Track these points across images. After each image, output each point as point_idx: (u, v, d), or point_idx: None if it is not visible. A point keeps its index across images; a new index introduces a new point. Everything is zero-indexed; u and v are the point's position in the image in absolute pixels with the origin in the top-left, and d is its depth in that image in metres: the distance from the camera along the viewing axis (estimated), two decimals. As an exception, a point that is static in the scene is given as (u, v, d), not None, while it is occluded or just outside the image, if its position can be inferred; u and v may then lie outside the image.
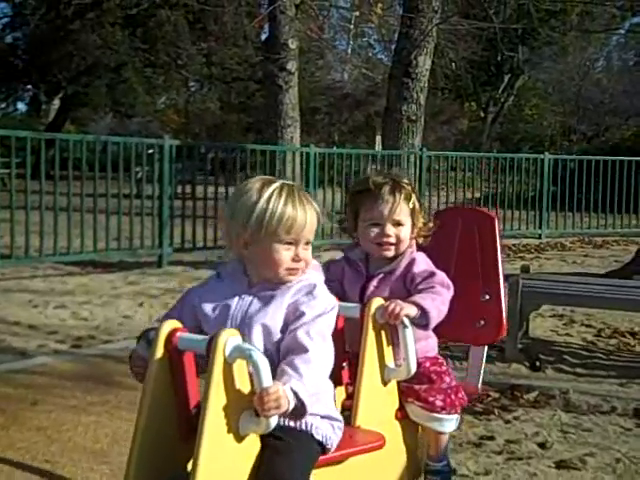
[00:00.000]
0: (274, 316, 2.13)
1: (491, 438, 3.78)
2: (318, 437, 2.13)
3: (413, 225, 2.70)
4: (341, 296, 2.61)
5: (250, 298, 2.18)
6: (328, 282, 2.33)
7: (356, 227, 2.73)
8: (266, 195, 2.15)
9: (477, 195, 14.76)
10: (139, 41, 25.80)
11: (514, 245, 12.36)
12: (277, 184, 2.20)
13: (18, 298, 7.21)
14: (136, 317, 6.48)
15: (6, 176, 11.40)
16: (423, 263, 2.70)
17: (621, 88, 30.33)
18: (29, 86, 30.57)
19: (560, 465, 3.45)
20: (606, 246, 13.02)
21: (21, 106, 35.29)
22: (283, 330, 2.13)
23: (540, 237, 13.85)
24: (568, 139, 31.13)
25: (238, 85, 28.91)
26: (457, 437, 3.70)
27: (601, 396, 4.48)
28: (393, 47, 14.69)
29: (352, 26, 29.36)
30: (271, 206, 2.15)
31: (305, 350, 2.04)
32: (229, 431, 1.92)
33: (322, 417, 2.16)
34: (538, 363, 5.06)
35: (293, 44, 12.28)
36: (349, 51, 34.76)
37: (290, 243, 2.19)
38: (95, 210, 9.11)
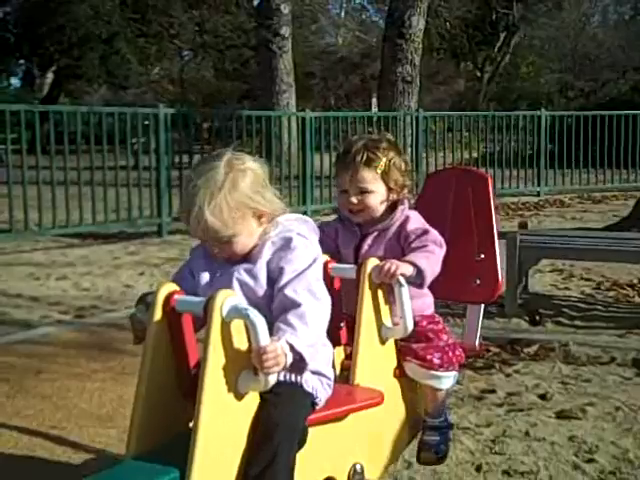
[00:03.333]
0: (254, 274, 2.14)
1: (492, 391, 3.82)
2: (308, 388, 2.15)
3: (389, 189, 2.66)
4: (336, 256, 2.62)
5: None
6: (322, 243, 2.34)
7: None
8: None
9: (475, 155, 14.74)
10: (130, 11, 25.62)
11: (513, 203, 12.37)
12: (202, 167, 2.19)
13: (19, 271, 7.25)
14: (137, 286, 6.50)
15: (2, 152, 11.36)
16: (416, 221, 2.70)
17: (617, 42, 30.13)
18: (21, 60, 30.38)
19: (560, 415, 3.50)
20: (605, 201, 13.04)
21: (15, 81, 35.15)
22: (270, 284, 2.13)
23: (539, 194, 13.85)
24: (565, 96, 30.96)
25: (232, 52, 28.76)
26: (459, 391, 3.74)
27: (600, 347, 4.52)
28: (386, 9, 14.59)
29: (345, -12, 29.13)
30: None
31: (297, 305, 2.05)
32: (229, 390, 1.95)
33: (312, 372, 2.18)
34: (538, 317, 5.10)
35: (286, 9, 12.20)
36: (342, 14, 34.54)
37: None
38: (92, 183, 9.12)
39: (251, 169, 2.18)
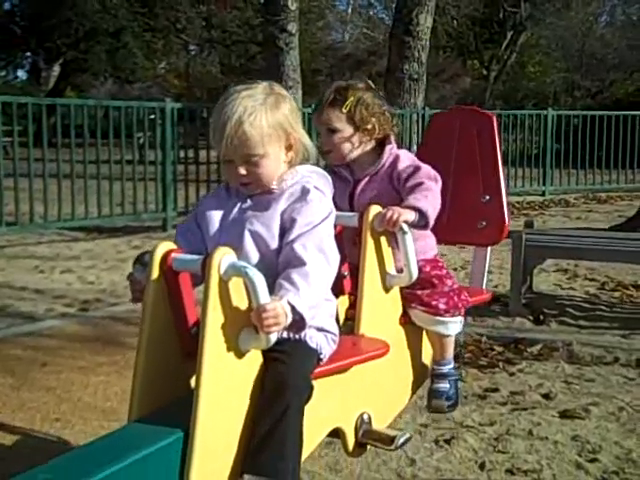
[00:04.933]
0: (267, 223, 2.11)
1: (496, 390, 3.82)
2: (312, 345, 2.14)
3: (357, 128, 2.65)
4: None
5: (246, 205, 2.17)
6: None
7: None
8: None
9: (480, 153, 14.68)
10: (138, 5, 25.59)
11: (518, 202, 12.35)
12: (242, 86, 2.15)
13: (24, 264, 7.26)
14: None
15: (8, 144, 11.37)
16: (406, 159, 2.69)
17: (625, 43, 30.01)
18: (28, 53, 30.37)
19: (564, 415, 3.50)
20: (610, 202, 13.01)
21: (21, 74, 35.12)
22: (282, 236, 2.10)
23: (544, 194, 13.83)
24: (572, 95, 30.88)
25: (238, 48, 28.71)
26: (462, 390, 3.73)
27: (604, 347, 4.52)
28: (394, 6, 14.56)
29: (352, -15, 29.08)
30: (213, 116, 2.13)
31: (302, 263, 2.01)
32: (229, 348, 1.93)
33: (316, 329, 2.16)
34: (542, 317, 5.10)
35: (293, 5, 12.16)
36: (349, 11, 34.47)
37: (229, 161, 2.14)
38: (98, 176, 9.12)
39: (290, 98, 2.20)
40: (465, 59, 32.92)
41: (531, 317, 5.13)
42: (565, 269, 6.74)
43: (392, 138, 2.72)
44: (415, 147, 12.15)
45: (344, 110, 2.63)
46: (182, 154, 10.48)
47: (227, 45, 28.59)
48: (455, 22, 26.29)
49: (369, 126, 2.67)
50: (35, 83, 32.37)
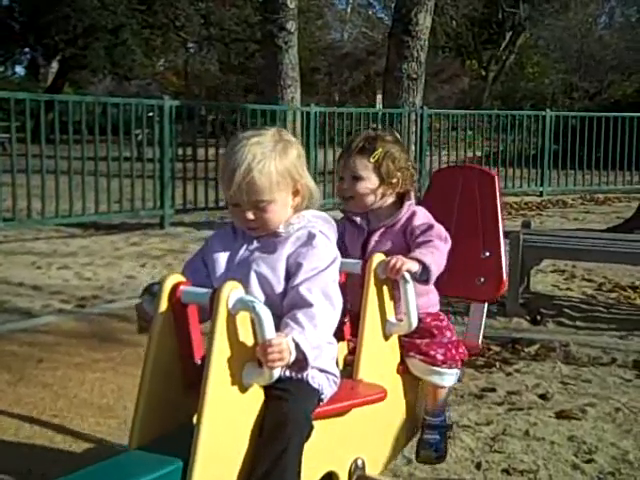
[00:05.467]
0: (273, 266, 2.13)
1: (492, 390, 3.82)
2: (314, 385, 2.15)
3: (382, 180, 2.68)
4: (343, 253, 2.62)
5: (253, 246, 2.19)
6: None
7: None
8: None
9: (478, 153, 14.72)
10: (136, 2, 25.59)
11: (516, 203, 12.36)
12: (251, 133, 2.17)
13: (22, 260, 7.25)
14: (139, 277, 6.51)
15: (6, 140, 11.35)
16: (423, 216, 2.72)
17: (623, 44, 30.07)
18: (27, 49, 30.36)
19: (560, 415, 3.50)
20: (608, 203, 13.02)
21: (19, 70, 35.13)
22: (287, 279, 2.13)
23: (541, 194, 13.84)
24: (570, 96, 30.91)
25: (237, 46, 28.73)
26: (459, 389, 3.74)
27: (601, 348, 4.52)
28: (393, 5, 14.57)
29: (351, -16, 29.10)
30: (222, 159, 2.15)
31: (309, 305, 2.04)
32: (233, 382, 1.95)
33: (319, 370, 2.18)
34: (539, 317, 5.11)
35: (292, 3, 12.16)
36: (348, 10, 34.48)
37: (236, 205, 2.16)
38: (96, 173, 9.11)
39: (297, 143, 2.22)
40: (464, 59, 32.96)
41: (528, 317, 5.13)
42: (562, 270, 6.74)
43: (412, 194, 2.75)
44: (413, 147, 12.16)
45: (372, 160, 2.66)
46: (180, 152, 10.49)
47: (226, 43, 28.61)
48: (454, 22, 26.33)
49: (394, 180, 2.70)
50: (33, 79, 32.38)
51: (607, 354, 4.41)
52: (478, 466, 3.00)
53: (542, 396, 3.75)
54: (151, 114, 9.87)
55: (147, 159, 9.83)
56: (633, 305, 5.66)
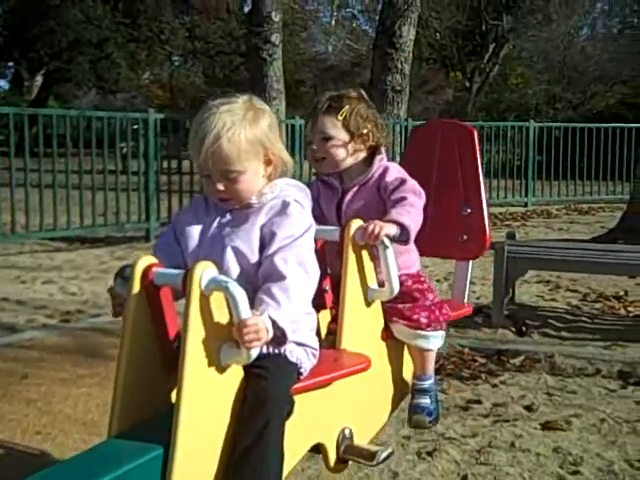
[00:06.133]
0: (247, 237, 2.11)
1: (478, 402, 3.82)
2: (292, 359, 2.13)
3: (352, 136, 2.66)
4: (319, 215, 2.61)
5: (226, 219, 2.17)
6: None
7: None
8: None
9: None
10: (121, 16, 25.56)
11: (500, 214, 12.41)
12: (222, 100, 2.15)
13: (5, 274, 7.21)
14: (124, 291, 6.47)
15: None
16: (395, 172, 2.70)
17: (606, 55, 30.26)
18: (11, 63, 30.27)
19: (546, 426, 3.50)
20: (592, 213, 13.10)
21: (3, 84, 35.01)
22: (262, 249, 2.10)
23: (526, 205, 13.92)
24: (553, 107, 31.07)
25: (222, 59, 28.73)
26: (445, 401, 3.74)
27: (586, 359, 4.53)
28: (377, 18, 14.63)
29: (336, -3, 29.20)
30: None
31: (282, 277, 2.01)
32: (210, 363, 1.92)
33: (297, 344, 2.16)
34: (524, 328, 5.11)
35: (277, 16, 12.19)
36: (333, 23, 34.57)
37: (207, 176, 2.13)
38: (81, 186, 9.09)
39: (269, 112, 2.19)
40: (448, 71, 33.07)
41: (513, 328, 5.14)
42: (547, 280, 6.77)
43: (382, 149, 2.74)
44: (398, 158, 12.19)
45: (339, 117, 2.65)
46: (165, 164, 10.47)
47: (211, 56, 28.61)
48: (438, 34, 26.43)
49: (364, 131, 2.68)
50: (18, 93, 32.26)
51: (592, 365, 4.43)
52: (464, 478, 2.99)
53: (527, 407, 3.75)
54: (136, 127, 9.86)
55: (132, 172, 9.81)
56: (617, 315, 5.68)
